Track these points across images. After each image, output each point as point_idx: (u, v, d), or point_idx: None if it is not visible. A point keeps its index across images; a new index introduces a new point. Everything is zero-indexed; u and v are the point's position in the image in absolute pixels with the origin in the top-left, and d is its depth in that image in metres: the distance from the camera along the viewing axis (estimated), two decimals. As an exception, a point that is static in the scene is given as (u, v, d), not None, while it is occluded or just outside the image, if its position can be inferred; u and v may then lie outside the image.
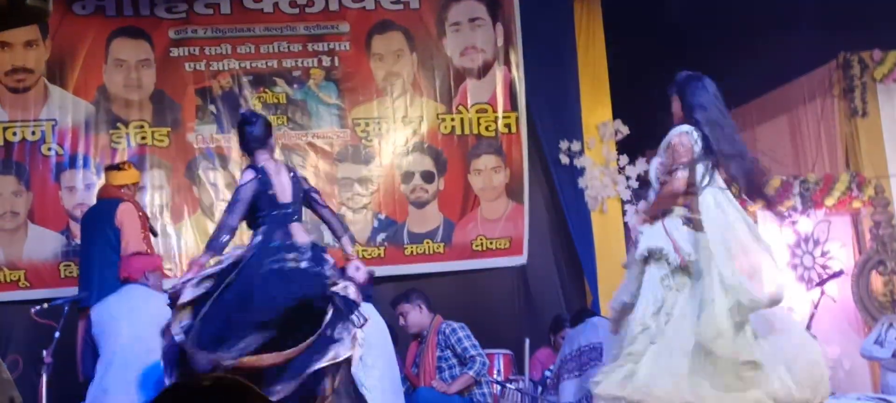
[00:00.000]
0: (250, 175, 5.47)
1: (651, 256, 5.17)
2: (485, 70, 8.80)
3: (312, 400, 5.05)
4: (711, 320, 4.91)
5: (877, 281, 8.58)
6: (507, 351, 7.50)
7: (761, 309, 5.04)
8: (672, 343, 5.00)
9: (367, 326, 5.18)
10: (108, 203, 6.95)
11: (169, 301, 5.16)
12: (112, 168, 7.25)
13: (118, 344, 5.74)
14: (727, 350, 4.88)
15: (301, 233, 5.40)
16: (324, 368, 5.00)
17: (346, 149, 8.51)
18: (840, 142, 9.08)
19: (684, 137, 5.28)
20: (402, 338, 7.15)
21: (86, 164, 8.16)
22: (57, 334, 5.79)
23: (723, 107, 5.38)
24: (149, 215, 7.38)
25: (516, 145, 8.76)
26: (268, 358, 4.91)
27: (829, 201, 8.70)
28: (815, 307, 7.59)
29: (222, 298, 5.03)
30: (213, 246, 5.42)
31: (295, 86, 8.53)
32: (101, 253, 6.82)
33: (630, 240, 5.86)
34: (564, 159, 8.73)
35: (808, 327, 7.38)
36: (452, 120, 8.72)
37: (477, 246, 8.61)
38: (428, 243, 8.55)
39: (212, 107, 8.38)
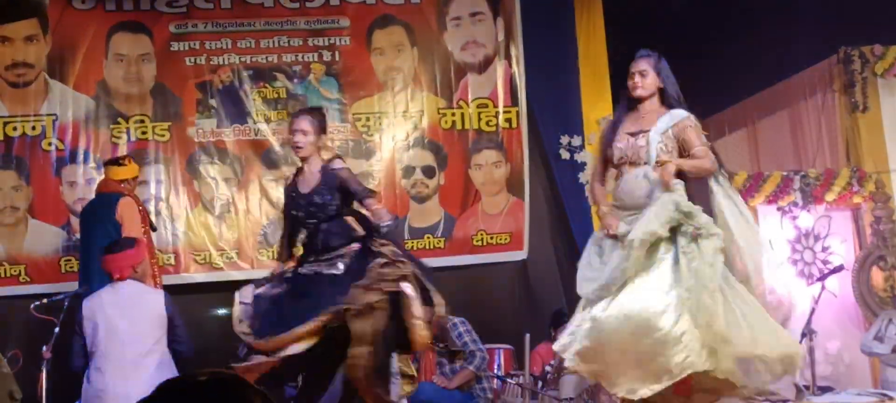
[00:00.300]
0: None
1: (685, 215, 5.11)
2: (485, 65, 8.79)
3: None
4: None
5: (877, 277, 8.58)
6: (508, 346, 7.50)
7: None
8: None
9: None
10: (107, 197, 6.94)
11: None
12: (112, 162, 7.24)
13: (110, 338, 5.71)
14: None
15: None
16: None
17: (347, 143, 8.50)
18: (841, 137, 9.07)
19: (693, 120, 5.39)
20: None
21: (86, 159, 8.16)
22: (57, 329, 5.77)
23: None
24: (148, 210, 7.36)
25: (517, 140, 8.76)
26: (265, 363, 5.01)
27: (830, 196, 8.69)
28: (816, 302, 7.58)
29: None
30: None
31: (295, 80, 8.52)
32: (100, 248, 6.80)
33: None
34: (565, 154, 8.72)
35: (809, 322, 7.38)
36: (453, 115, 8.71)
37: (477, 240, 8.61)
38: (428, 238, 8.55)
39: (212, 102, 8.37)
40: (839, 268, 8.27)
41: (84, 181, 8.09)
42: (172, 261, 8.09)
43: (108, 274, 5.96)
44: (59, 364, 5.87)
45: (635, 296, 5.00)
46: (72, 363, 5.85)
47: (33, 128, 8.12)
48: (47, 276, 7.91)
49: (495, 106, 8.76)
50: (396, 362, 5.79)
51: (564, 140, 8.75)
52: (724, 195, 5.34)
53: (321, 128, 5.68)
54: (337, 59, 8.58)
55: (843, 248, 8.70)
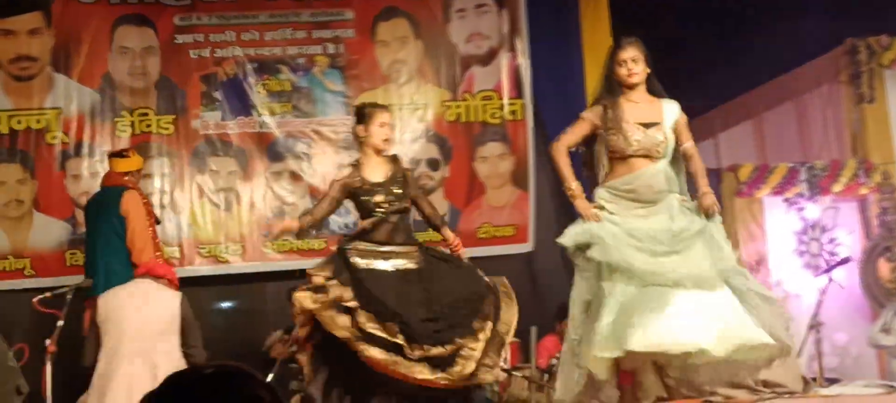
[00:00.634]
0: None
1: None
2: (490, 57, 8.77)
3: None
4: None
5: (884, 268, 8.57)
6: (514, 339, 7.48)
7: None
8: None
9: None
10: (112, 190, 6.94)
11: None
12: (115, 155, 7.24)
13: (122, 331, 5.74)
14: None
15: None
16: None
17: (351, 136, 8.46)
18: (847, 129, 9.07)
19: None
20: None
21: (91, 152, 8.15)
22: (60, 322, 5.77)
23: None
24: (153, 203, 7.35)
25: (522, 132, 8.74)
26: None
27: (836, 187, 8.68)
28: (823, 294, 7.57)
29: None
30: None
31: (300, 73, 8.51)
32: (105, 241, 6.81)
33: None
34: (570, 146, 8.69)
35: (816, 314, 7.37)
36: (458, 107, 8.70)
37: (482, 233, 8.59)
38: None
39: (216, 95, 8.36)
40: (846, 260, 8.24)
41: (89, 174, 8.08)
42: (177, 255, 8.09)
43: (144, 273, 6.02)
44: (63, 358, 5.87)
45: None
46: (86, 356, 5.88)
47: (38, 121, 8.11)
48: (52, 270, 7.91)
49: (500, 98, 8.74)
50: None
51: (570, 132, 8.71)
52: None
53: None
54: (341, 51, 8.56)
55: (849, 240, 8.69)
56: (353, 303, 5.24)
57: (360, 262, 5.40)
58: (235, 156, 8.34)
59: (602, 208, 5.44)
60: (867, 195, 8.79)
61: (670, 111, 5.45)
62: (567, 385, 5.44)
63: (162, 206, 8.04)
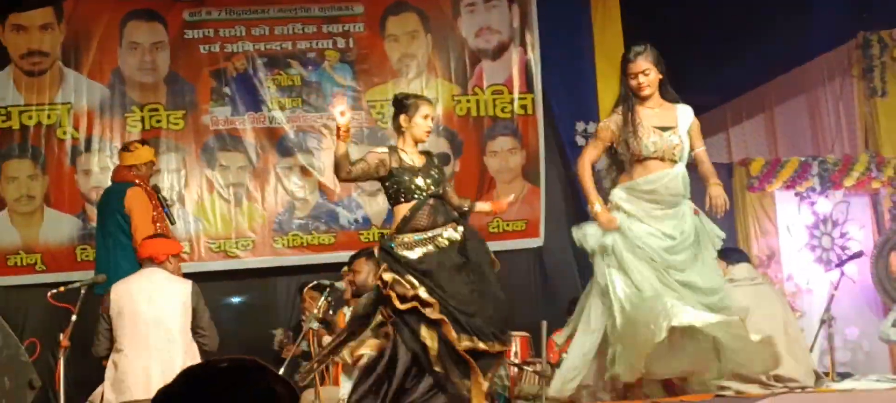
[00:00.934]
0: None
1: None
2: (500, 51, 8.75)
3: None
4: None
5: (896, 263, 8.53)
6: (524, 334, 7.48)
7: None
8: None
9: None
10: (119, 186, 6.93)
11: None
12: (122, 148, 7.24)
13: (135, 323, 5.76)
14: None
15: None
16: None
17: (362, 131, 8.47)
18: (859, 123, 9.04)
19: None
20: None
21: (101, 148, 8.17)
22: (74, 317, 5.78)
23: None
24: (164, 198, 7.28)
25: (532, 127, 8.72)
26: None
27: (848, 182, 8.66)
28: (835, 288, 7.54)
29: None
30: None
31: (309, 68, 8.50)
32: (113, 237, 6.82)
33: None
34: (581, 140, 8.66)
35: (828, 308, 7.35)
36: (468, 101, 8.69)
37: (493, 228, 8.58)
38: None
39: (226, 90, 8.36)
40: (858, 254, 8.22)
41: (99, 170, 8.10)
42: (187, 250, 8.09)
43: (147, 259, 6.02)
44: (76, 353, 5.88)
45: None
46: (96, 347, 5.91)
47: (49, 116, 8.13)
48: (63, 265, 7.92)
49: (510, 92, 8.72)
50: None
51: (580, 126, 8.71)
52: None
53: None
54: (351, 46, 8.56)
55: (861, 234, 8.67)
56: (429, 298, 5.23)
57: (411, 255, 5.35)
58: (245, 151, 8.34)
59: (618, 208, 5.56)
60: (879, 189, 8.76)
61: (685, 115, 5.59)
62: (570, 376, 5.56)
63: (173, 202, 8.04)
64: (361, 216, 8.44)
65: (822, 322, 7.30)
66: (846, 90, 9.12)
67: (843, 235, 8.61)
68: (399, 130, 5.55)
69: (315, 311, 6.19)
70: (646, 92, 5.52)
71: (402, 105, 5.54)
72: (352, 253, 7.16)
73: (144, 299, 5.83)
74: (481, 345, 5.19)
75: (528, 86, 8.74)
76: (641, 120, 5.50)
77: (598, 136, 5.71)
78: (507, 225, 8.62)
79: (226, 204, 8.27)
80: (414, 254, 5.31)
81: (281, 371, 6.39)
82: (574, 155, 8.64)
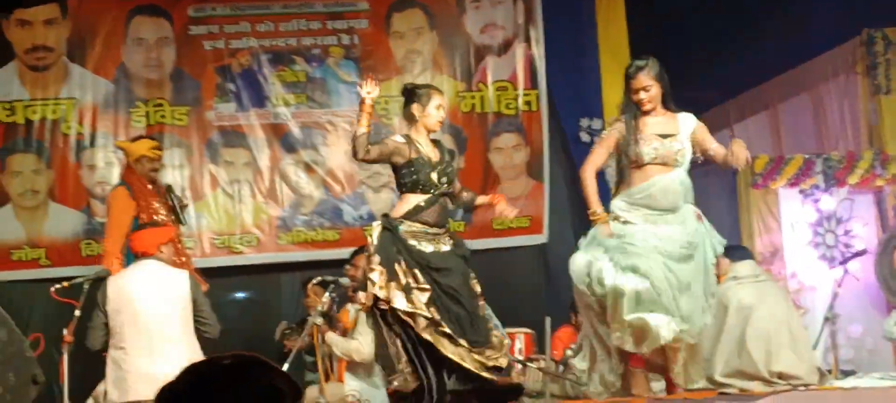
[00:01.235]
0: None
1: None
2: (505, 47, 8.76)
3: None
4: None
5: (900, 260, 8.51)
6: (528, 330, 7.48)
7: None
8: None
9: None
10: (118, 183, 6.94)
11: None
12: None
13: (133, 318, 5.71)
14: None
15: None
16: None
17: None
18: (863, 120, 9.01)
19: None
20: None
21: (106, 143, 8.18)
22: (77, 312, 5.78)
23: None
24: (178, 198, 7.14)
25: (537, 123, 8.72)
26: None
27: (852, 179, 8.63)
28: (839, 286, 7.53)
29: None
30: None
31: (314, 64, 8.51)
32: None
33: None
34: (585, 137, 8.67)
35: (831, 306, 7.34)
36: (473, 98, 8.69)
37: (497, 224, 8.57)
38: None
39: (231, 86, 8.37)
40: (862, 252, 8.20)
41: (103, 165, 8.12)
42: (191, 245, 8.09)
43: (140, 253, 5.97)
44: (80, 348, 5.88)
45: None
46: (91, 340, 5.84)
47: (53, 111, 8.14)
48: (68, 260, 7.94)
49: (515, 89, 8.72)
50: None
51: (584, 123, 8.71)
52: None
53: None
54: (356, 42, 8.57)
55: (865, 231, 8.64)
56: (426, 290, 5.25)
57: (415, 244, 5.35)
58: (250, 147, 8.34)
59: (617, 218, 5.58)
60: (883, 187, 8.73)
61: (686, 123, 5.60)
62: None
63: (185, 203, 8.01)
64: (366, 212, 8.43)
65: (826, 319, 7.28)
66: (850, 87, 9.09)
67: (846, 232, 8.59)
68: (411, 119, 5.54)
69: (319, 307, 6.19)
70: (647, 107, 5.54)
71: (415, 94, 5.54)
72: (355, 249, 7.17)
73: (143, 296, 5.75)
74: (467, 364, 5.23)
75: (532, 82, 8.74)
76: (644, 128, 5.52)
77: (603, 140, 5.71)
78: (512, 221, 8.60)
79: (230, 200, 8.29)
80: (424, 248, 5.33)
81: (284, 367, 6.40)
82: (578, 151, 8.66)
